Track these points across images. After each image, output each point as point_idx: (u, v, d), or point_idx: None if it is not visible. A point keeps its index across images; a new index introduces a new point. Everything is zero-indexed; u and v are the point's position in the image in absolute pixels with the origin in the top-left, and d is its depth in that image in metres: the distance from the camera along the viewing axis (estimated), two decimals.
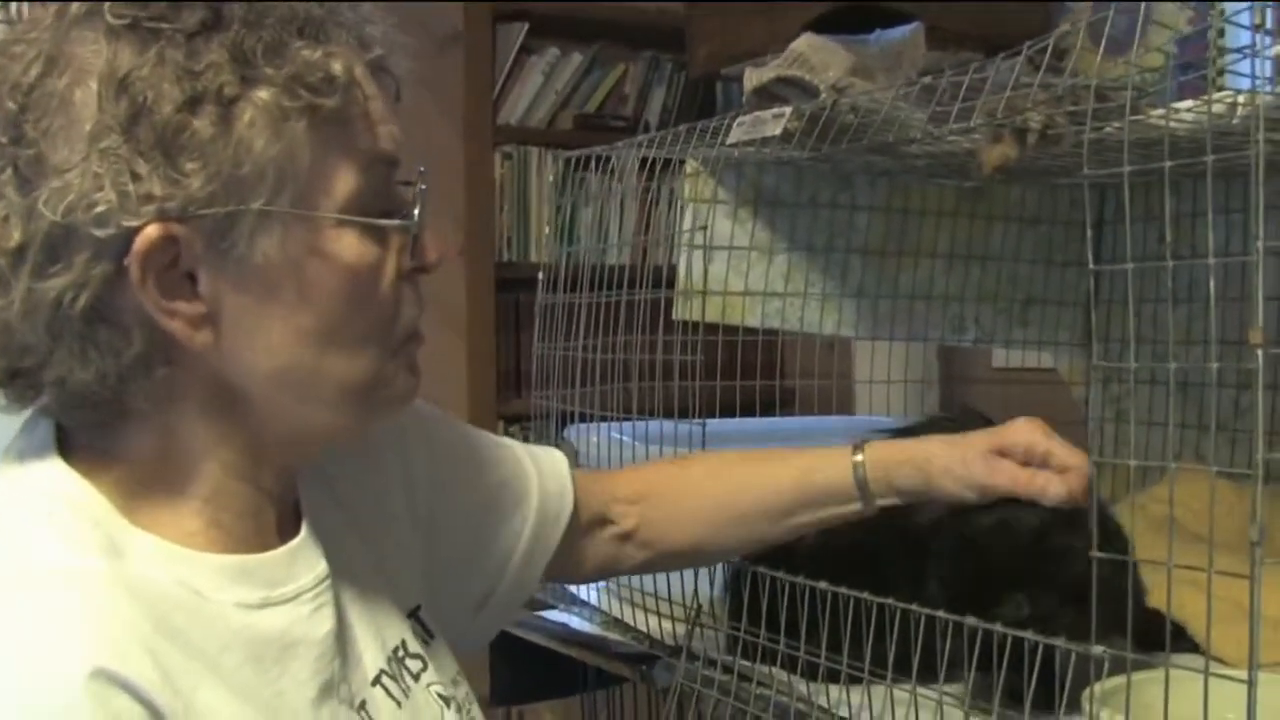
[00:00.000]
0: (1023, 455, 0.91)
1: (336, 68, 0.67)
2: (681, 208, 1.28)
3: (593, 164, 1.37)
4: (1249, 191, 1.16)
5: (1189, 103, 0.89)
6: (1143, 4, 0.84)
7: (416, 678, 0.78)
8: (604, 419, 1.26)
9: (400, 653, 0.78)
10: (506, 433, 2.90)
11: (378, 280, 0.71)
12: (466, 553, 0.92)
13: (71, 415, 0.69)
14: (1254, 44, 0.78)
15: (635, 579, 1.20)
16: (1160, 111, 0.89)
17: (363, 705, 0.73)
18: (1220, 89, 0.87)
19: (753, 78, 1.11)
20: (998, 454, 0.92)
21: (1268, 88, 0.84)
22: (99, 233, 0.63)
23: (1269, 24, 0.83)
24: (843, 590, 0.95)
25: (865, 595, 0.92)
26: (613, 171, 1.35)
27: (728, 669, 1.07)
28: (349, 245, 0.69)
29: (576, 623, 1.31)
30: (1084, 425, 1.49)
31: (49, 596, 0.62)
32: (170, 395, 0.69)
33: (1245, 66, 0.80)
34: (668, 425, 1.15)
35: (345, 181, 0.68)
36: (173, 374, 0.68)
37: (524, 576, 0.95)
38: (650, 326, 1.20)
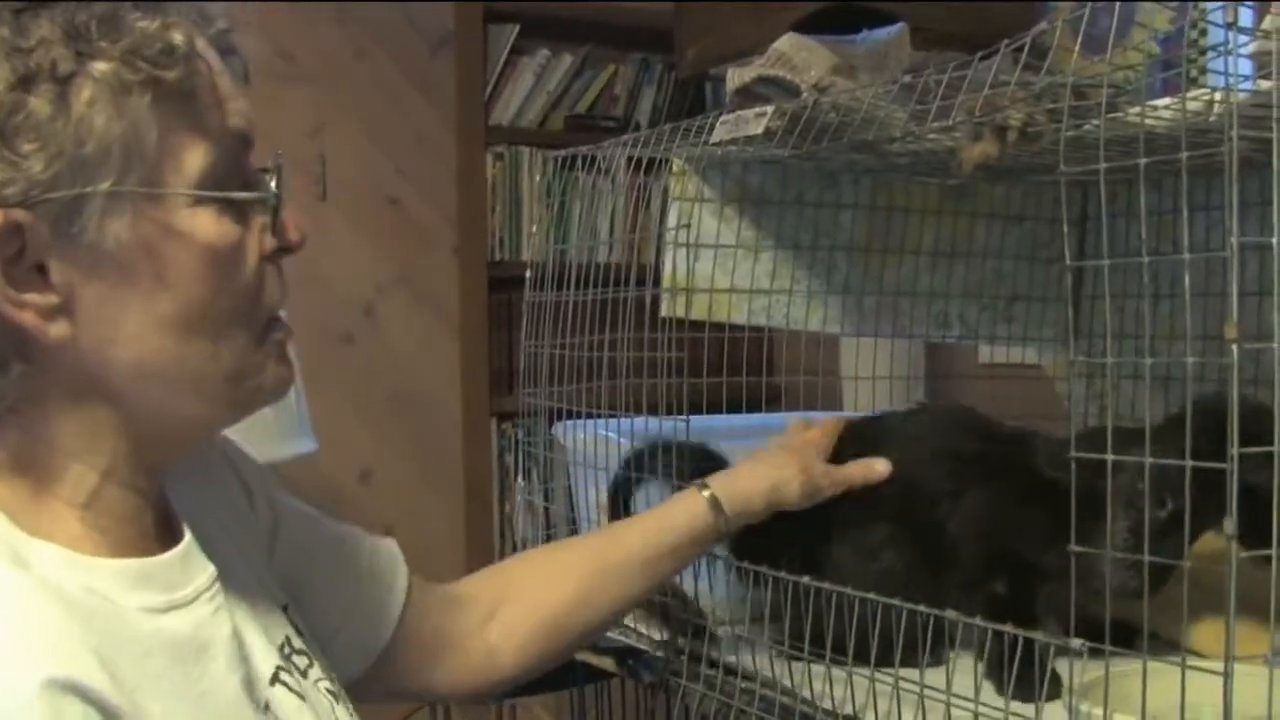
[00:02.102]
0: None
1: (177, 38, 0.64)
2: (668, 206, 1.29)
3: (580, 163, 1.38)
4: (1226, 190, 1.17)
5: (1166, 100, 0.90)
6: (1118, 3, 0.85)
7: (305, 673, 0.77)
8: (592, 416, 1.27)
9: (286, 650, 0.77)
10: (499, 430, 2.91)
11: (238, 260, 0.68)
12: (304, 594, 0.87)
13: None
14: (1228, 42, 0.79)
15: None
16: (1137, 109, 0.90)
17: (267, 706, 0.71)
18: (1199, 86, 0.87)
19: (735, 77, 1.12)
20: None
21: (1242, 85, 0.85)
22: None
23: (1244, 22, 0.84)
24: (825, 585, 0.96)
25: (846, 590, 0.93)
26: (601, 170, 1.36)
27: (714, 664, 1.08)
28: (205, 224, 0.66)
29: None
30: (1067, 420, 1.50)
31: None
32: (31, 395, 0.66)
33: (1221, 64, 0.81)
34: (654, 422, 1.16)
35: (195, 158, 0.65)
36: (29, 371, 0.65)
37: (352, 651, 0.90)
38: (638, 324, 1.20)
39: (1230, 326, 0.71)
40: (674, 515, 1.04)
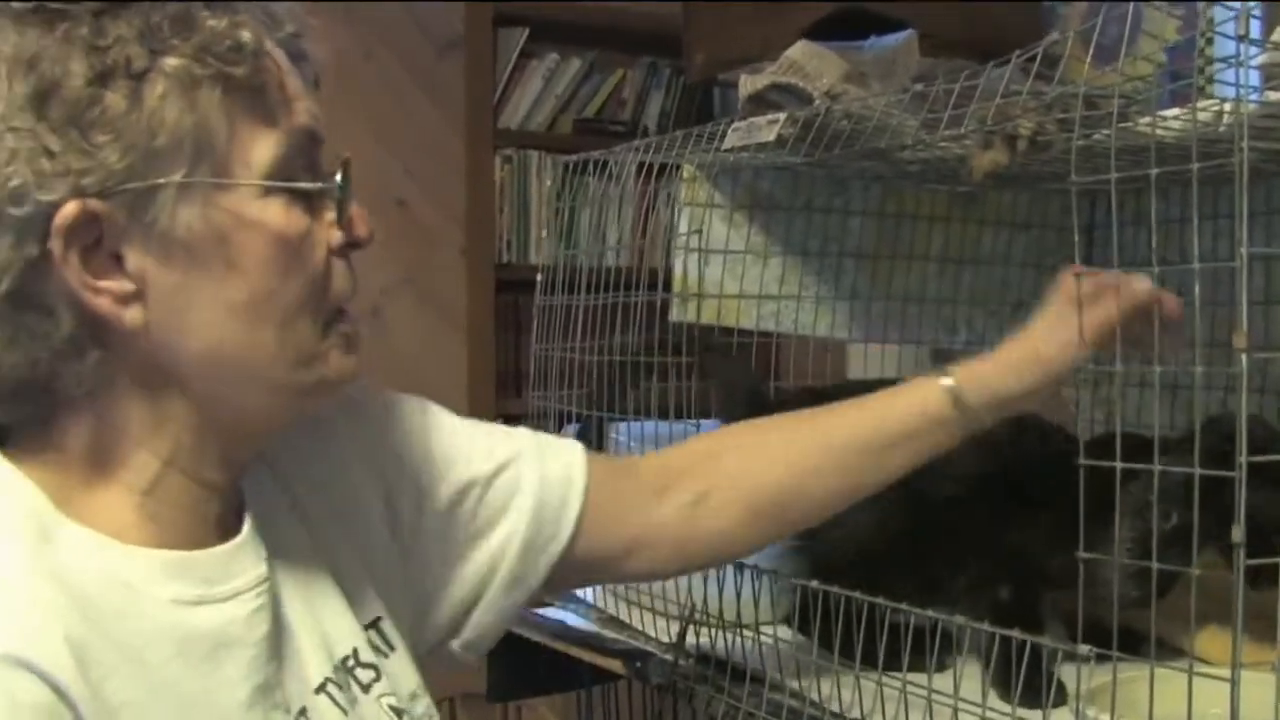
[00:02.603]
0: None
1: (245, 35, 0.66)
2: (678, 211, 1.30)
3: (591, 168, 1.39)
4: (1235, 199, 1.18)
5: (1175, 110, 0.91)
6: (1131, 6, 0.86)
7: (367, 689, 0.77)
8: (601, 419, 1.27)
9: (350, 662, 0.77)
10: None
11: (307, 251, 0.70)
12: (460, 542, 0.87)
13: (5, 408, 0.69)
14: (1238, 54, 0.79)
15: None
16: (1147, 119, 0.90)
17: (303, 712, 0.72)
18: (1208, 97, 0.88)
19: (747, 84, 1.13)
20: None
21: (1253, 96, 0.86)
22: (16, 211, 0.63)
23: (1254, 33, 0.85)
24: (834, 589, 0.97)
25: (856, 594, 0.94)
26: (612, 176, 1.36)
27: (722, 666, 1.08)
28: (275, 213, 0.68)
29: (573, 620, 1.32)
30: (1074, 425, 1.50)
31: None
32: (103, 380, 0.68)
33: (1231, 75, 0.82)
34: (663, 425, 1.16)
35: (264, 150, 0.68)
36: (105, 357, 0.67)
37: (525, 567, 0.88)
38: (647, 328, 1.21)
39: (1240, 336, 0.71)
40: (905, 401, 0.92)
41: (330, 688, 0.74)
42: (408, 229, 2.81)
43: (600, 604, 1.33)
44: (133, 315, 0.66)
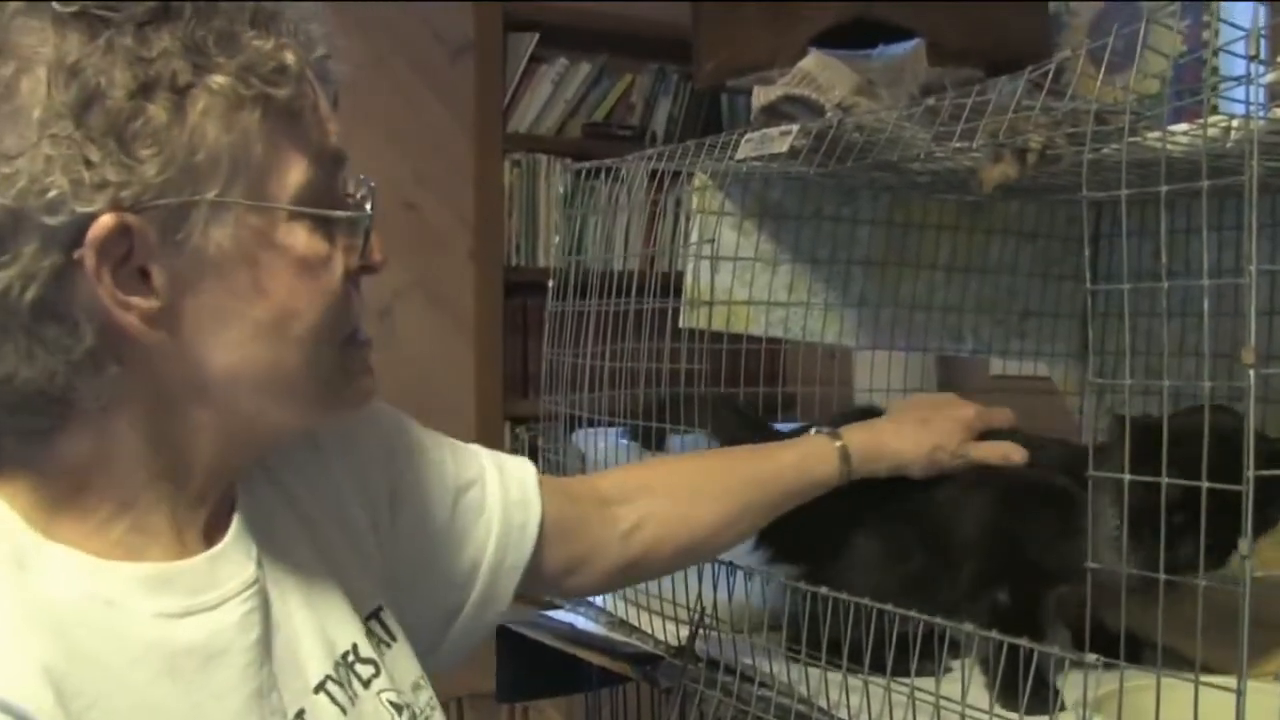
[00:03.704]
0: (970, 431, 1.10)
1: (289, 58, 0.66)
2: (689, 219, 1.31)
3: (603, 175, 1.40)
4: (1241, 209, 1.19)
5: (1184, 126, 0.92)
6: (1144, 21, 0.87)
7: (367, 684, 0.76)
8: (611, 424, 1.29)
9: (350, 657, 0.76)
10: (513, 435, 2.93)
11: (328, 275, 0.70)
12: (430, 561, 0.89)
13: (11, 418, 0.67)
14: (1249, 73, 0.80)
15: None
16: (1156, 134, 0.92)
17: (300, 714, 0.71)
18: (1213, 112, 0.89)
19: (761, 95, 1.14)
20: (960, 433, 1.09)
21: (1261, 114, 0.87)
22: (50, 220, 0.61)
23: (1262, 53, 0.86)
24: (841, 595, 0.98)
25: (864, 601, 0.95)
26: (622, 182, 1.38)
27: (730, 670, 1.09)
28: (301, 237, 0.68)
29: (582, 622, 1.34)
30: (1079, 433, 1.52)
31: None
32: (117, 396, 0.67)
33: (1239, 93, 0.83)
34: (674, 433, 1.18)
35: (297, 173, 0.68)
36: (122, 373, 0.66)
37: (494, 588, 0.91)
38: (656, 334, 1.22)
39: (1248, 351, 0.72)
40: (812, 462, 1.05)
41: (330, 686, 0.74)
42: (418, 232, 2.83)
43: (609, 608, 1.34)
44: (157, 333, 0.66)
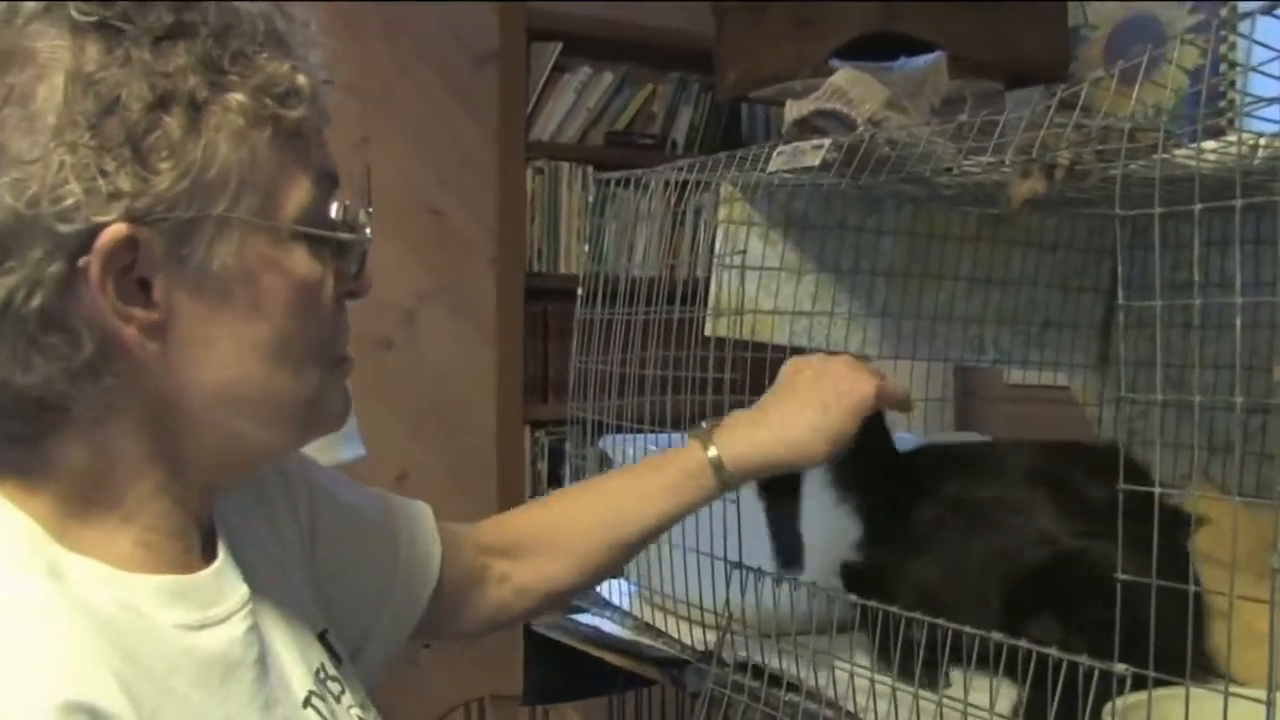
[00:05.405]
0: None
1: (301, 81, 0.67)
2: (715, 228, 1.32)
3: (632, 185, 1.41)
4: (1261, 223, 1.20)
5: (1212, 144, 0.94)
6: (1165, 23, 0.88)
7: (338, 699, 0.77)
8: (637, 430, 1.30)
9: (322, 674, 0.77)
10: (533, 439, 2.96)
11: (322, 296, 0.70)
12: (342, 595, 0.89)
13: (3, 426, 0.66)
14: None
15: (667, 585, 1.24)
16: (1184, 151, 0.93)
17: None
18: (1235, 129, 0.90)
19: (793, 110, 1.16)
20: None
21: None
22: (63, 228, 0.61)
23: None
24: (872, 604, 0.99)
25: (895, 609, 0.97)
26: (650, 193, 1.39)
27: (758, 674, 1.11)
28: (300, 259, 0.68)
29: (609, 626, 1.35)
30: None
31: (3, 623, 0.60)
32: (110, 408, 0.66)
33: (1266, 111, 0.84)
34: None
35: (299, 194, 0.68)
36: (116, 385, 0.65)
37: (395, 626, 0.92)
38: (679, 342, 1.24)
39: None
40: (676, 481, 1.01)
41: (314, 700, 0.74)
42: (442, 237, 2.85)
43: (635, 611, 1.36)
44: (153, 347, 0.65)
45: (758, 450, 1.01)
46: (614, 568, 1.06)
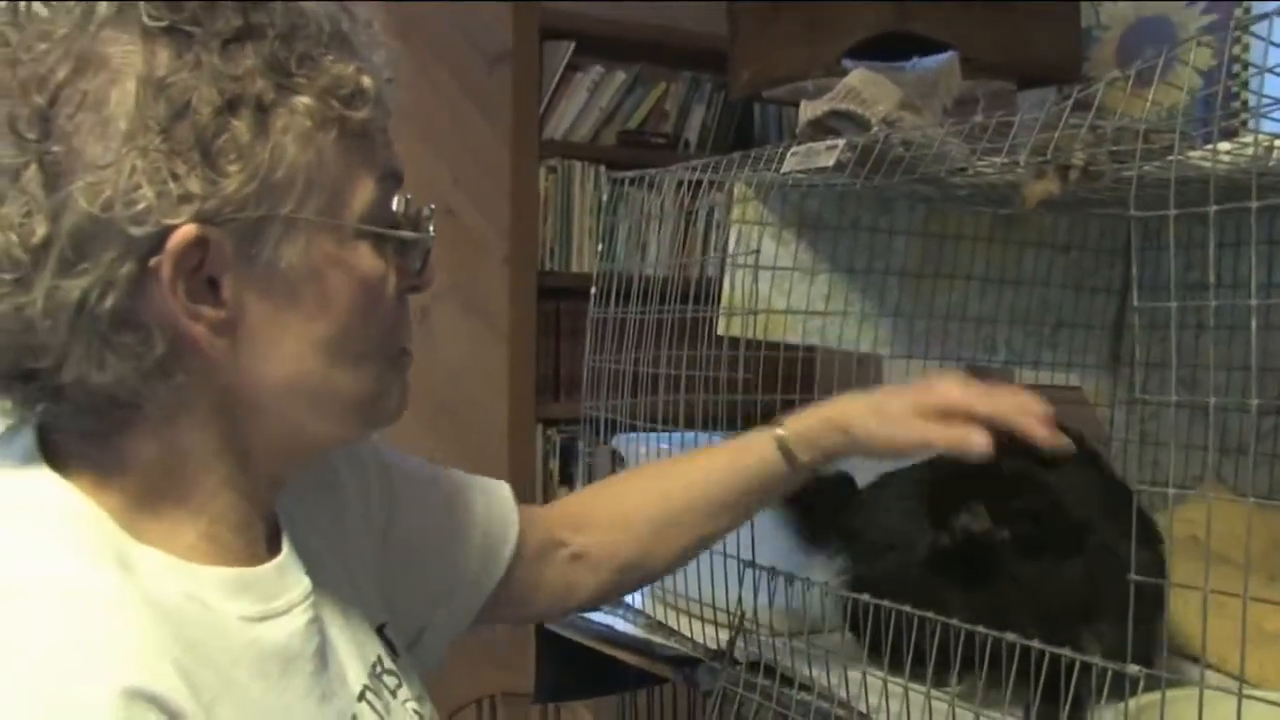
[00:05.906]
0: (943, 412, 0.94)
1: (366, 82, 0.68)
2: (728, 228, 1.32)
3: (644, 184, 1.42)
4: (1275, 225, 1.20)
5: (1227, 145, 0.94)
6: (1178, 24, 0.88)
7: (394, 693, 0.79)
8: (650, 429, 1.31)
9: (378, 668, 0.78)
10: (545, 437, 2.96)
11: (384, 293, 0.72)
12: (417, 577, 0.90)
13: (77, 422, 0.68)
14: None
15: (679, 584, 1.25)
16: (1198, 152, 0.93)
17: (353, 718, 0.74)
18: (1246, 130, 0.91)
19: (807, 110, 1.16)
20: (918, 413, 0.95)
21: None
22: (135, 230, 0.62)
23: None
24: (885, 603, 1.00)
25: (906, 609, 0.97)
26: (664, 193, 1.40)
27: (770, 673, 1.11)
28: (364, 257, 0.70)
29: (621, 625, 1.35)
30: (1108, 445, 1.53)
31: (71, 611, 0.61)
32: (180, 404, 0.68)
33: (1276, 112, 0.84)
34: (704, 435, 1.20)
35: (364, 194, 0.69)
36: (187, 382, 0.67)
37: (467, 603, 0.94)
38: (691, 341, 1.24)
39: None
40: (745, 458, 1.02)
41: (369, 694, 0.76)
42: (455, 236, 2.85)
43: (648, 610, 1.36)
44: (222, 344, 0.67)
45: (819, 419, 1.00)
46: (682, 540, 1.03)
